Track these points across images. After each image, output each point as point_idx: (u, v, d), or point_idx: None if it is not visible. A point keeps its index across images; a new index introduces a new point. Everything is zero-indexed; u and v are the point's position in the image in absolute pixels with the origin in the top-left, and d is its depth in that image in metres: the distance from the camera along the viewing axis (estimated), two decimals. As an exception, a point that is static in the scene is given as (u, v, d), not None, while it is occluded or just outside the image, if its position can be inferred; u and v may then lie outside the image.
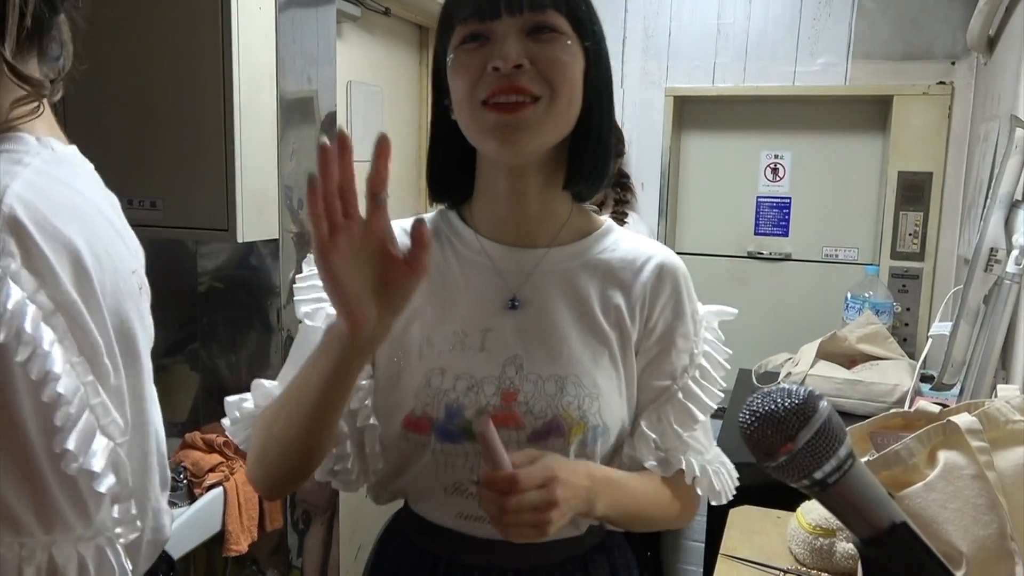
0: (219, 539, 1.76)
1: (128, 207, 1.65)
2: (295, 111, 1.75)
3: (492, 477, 0.74)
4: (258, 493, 0.91)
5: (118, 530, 0.70)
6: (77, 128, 1.63)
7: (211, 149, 1.57)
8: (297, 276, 0.94)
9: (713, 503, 0.96)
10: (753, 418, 0.51)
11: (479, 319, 0.88)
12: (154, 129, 1.61)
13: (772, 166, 2.52)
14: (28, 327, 0.62)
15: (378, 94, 2.37)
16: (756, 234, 2.53)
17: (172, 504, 1.71)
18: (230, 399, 0.94)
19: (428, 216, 0.94)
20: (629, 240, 0.95)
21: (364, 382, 0.89)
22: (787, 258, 2.50)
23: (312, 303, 0.90)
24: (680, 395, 0.90)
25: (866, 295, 2.22)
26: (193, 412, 1.91)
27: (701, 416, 0.91)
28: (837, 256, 2.48)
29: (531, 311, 0.88)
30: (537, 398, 0.85)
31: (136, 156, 1.63)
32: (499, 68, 0.78)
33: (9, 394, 0.62)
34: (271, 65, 1.67)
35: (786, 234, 2.52)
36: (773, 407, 0.51)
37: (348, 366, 0.74)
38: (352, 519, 2.13)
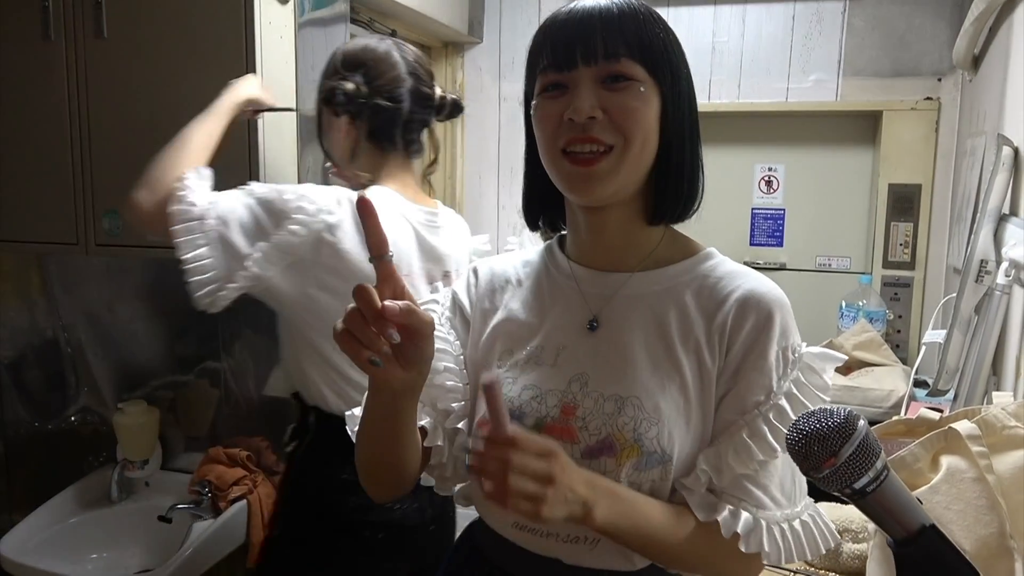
0: (242, 550, 1.82)
1: (154, 229, 1.71)
2: (312, 129, 1.81)
3: (493, 435, 0.75)
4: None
5: None
6: (106, 148, 1.70)
7: (237, 169, 1.62)
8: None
9: (767, 564, 0.88)
10: (800, 436, 0.58)
11: (558, 337, 0.93)
12: (179, 154, 1.66)
13: (766, 179, 2.60)
14: None
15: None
16: (751, 244, 2.62)
17: (197, 517, 1.77)
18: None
19: (537, 248, 1.02)
20: (726, 269, 0.92)
21: (451, 383, 0.96)
22: (782, 268, 2.59)
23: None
24: (744, 432, 0.85)
25: (860, 303, 2.30)
26: (213, 427, 1.96)
27: (762, 457, 0.84)
28: (830, 265, 2.57)
29: (607, 332, 0.91)
30: (595, 415, 0.87)
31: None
32: (574, 120, 0.83)
33: None
34: (291, 88, 1.73)
35: (780, 244, 2.61)
36: (818, 426, 0.58)
37: (393, 406, 0.83)
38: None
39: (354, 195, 1.34)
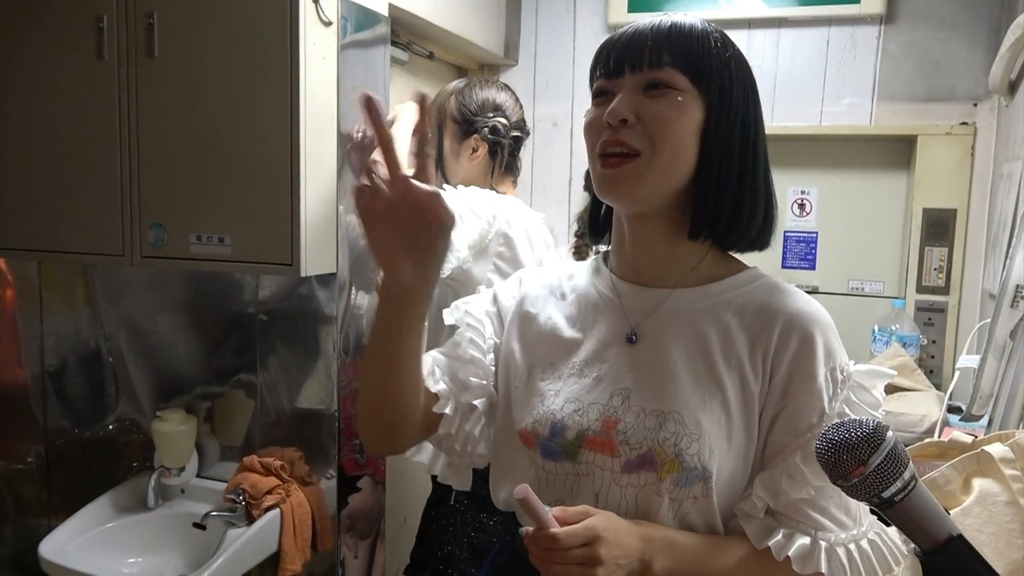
0: (274, 559, 1.85)
1: (197, 242, 1.77)
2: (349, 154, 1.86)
3: (536, 535, 0.79)
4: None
5: None
6: (153, 164, 1.76)
7: (277, 188, 1.68)
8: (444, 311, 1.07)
9: None
10: (830, 445, 0.60)
11: (600, 351, 0.94)
12: (224, 170, 1.72)
13: (799, 201, 2.61)
14: None
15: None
16: (784, 267, 2.62)
17: (231, 525, 1.80)
18: None
19: (590, 259, 1.05)
20: (770, 288, 0.92)
21: (474, 354, 0.99)
22: (814, 291, 2.58)
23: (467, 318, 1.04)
24: (798, 456, 0.84)
25: (893, 328, 2.29)
26: (248, 437, 2.00)
27: (816, 481, 0.83)
28: (863, 289, 2.56)
29: (647, 347, 0.92)
30: (636, 429, 0.87)
31: (206, 195, 1.74)
32: (609, 122, 0.87)
33: None
34: (333, 108, 1.78)
35: (813, 267, 2.60)
36: (847, 435, 0.59)
37: (397, 315, 0.85)
38: (394, 543, 2.20)
39: (506, 200, 1.79)
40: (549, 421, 0.92)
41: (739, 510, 0.87)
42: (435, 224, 0.79)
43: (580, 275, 1.04)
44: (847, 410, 0.85)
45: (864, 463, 0.58)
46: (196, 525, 1.86)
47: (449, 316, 1.05)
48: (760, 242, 0.94)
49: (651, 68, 0.87)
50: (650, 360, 0.90)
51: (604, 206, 0.99)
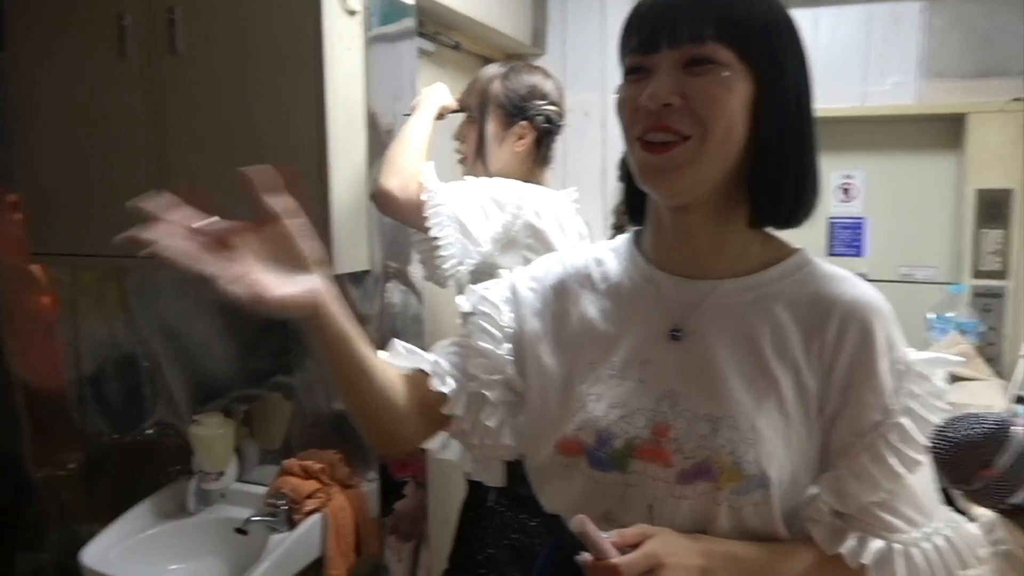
0: (317, 564, 1.81)
1: (231, 242, 1.73)
2: (382, 145, 1.82)
3: (596, 565, 0.74)
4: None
5: None
6: (180, 162, 1.73)
7: (308, 185, 1.63)
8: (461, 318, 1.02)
9: None
10: (948, 445, 0.53)
11: (641, 349, 0.87)
12: (251, 167, 1.68)
13: (844, 186, 2.52)
14: None
15: (449, 125, 2.42)
16: (830, 255, 2.53)
17: (273, 530, 1.77)
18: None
19: (618, 240, 0.97)
20: (822, 275, 0.86)
21: (486, 346, 0.94)
22: (863, 279, 2.48)
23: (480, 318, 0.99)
24: (865, 457, 0.79)
25: (950, 315, 2.20)
26: (287, 440, 1.96)
27: (887, 484, 0.79)
28: (915, 276, 2.46)
29: (693, 344, 0.85)
30: (689, 437, 0.81)
31: (236, 192, 1.70)
32: (649, 107, 0.78)
33: None
34: (361, 102, 1.73)
35: (860, 254, 2.51)
36: (969, 432, 0.53)
37: (325, 342, 0.87)
38: (438, 545, 2.16)
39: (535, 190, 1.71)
40: (594, 429, 0.86)
41: (805, 514, 0.82)
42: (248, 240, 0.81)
43: (609, 260, 0.95)
44: (911, 404, 0.79)
45: (990, 464, 0.51)
46: (238, 530, 1.83)
47: (465, 302, 1.00)
48: (804, 218, 0.86)
49: (692, 43, 0.77)
50: (697, 359, 0.84)
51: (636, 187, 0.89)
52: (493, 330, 0.94)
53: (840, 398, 0.81)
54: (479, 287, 1.01)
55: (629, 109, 0.82)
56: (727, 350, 0.83)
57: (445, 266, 1.57)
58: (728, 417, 0.81)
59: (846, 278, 0.85)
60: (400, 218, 1.64)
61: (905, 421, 0.79)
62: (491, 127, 1.78)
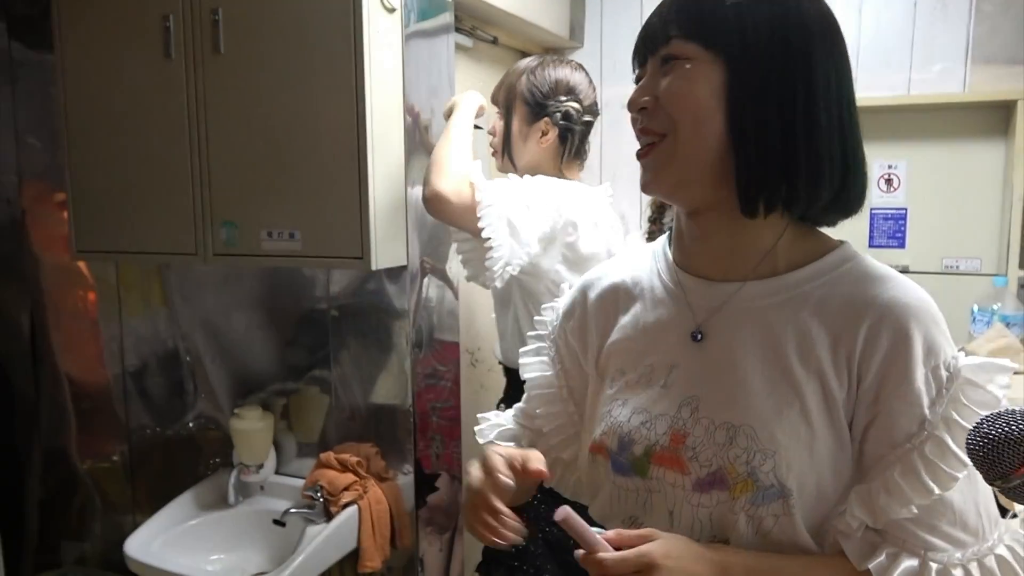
0: (353, 556, 1.83)
1: (268, 238, 1.76)
2: (419, 143, 1.82)
3: (584, 558, 0.75)
4: None
5: None
6: (223, 160, 1.75)
7: (345, 181, 1.65)
8: (529, 335, 1.07)
9: None
10: (985, 440, 0.52)
11: (668, 354, 0.86)
12: (292, 164, 1.70)
13: (886, 176, 2.46)
14: None
15: (487, 120, 2.42)
16: (871, 247, 2.47)
17: (310, 521, 1.79)
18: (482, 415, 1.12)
19: (658, 242, 0.97)
20: (858, 274, 0.80)
21: (562, 406, 1.00)
22: (905, 271, 2.42)
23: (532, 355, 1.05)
24: (896, 470, 0.74)
25: (994, 307, 2.14)
26: (324, 434, 1.99)
27: (918, 499, 0.74)
28: (958, 267, 2.40)
29: (714, 348, 0.83)
30: (705, 445, 0.80)
31: (275, 190, 1.73)
32: (632, 113, 0.84)
33: None
34: (399, 98, 1.74)
35: (903, 246, 2.46)
36: (1007, 428, 0.51)
37: None
38: (472, 537, 2.17)
39: (583, 188, 1.77)
40: (617, 434, 0.86)
41: (836, 528, 0.78)
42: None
43: (643, 264, 0.94)
44: (955, 415, 0.73)
45: (1029, 461, 0.50)
46: (276, 522, 1.86)
47: (524, 373, 1.05)
48: (843, 210, 0.82)
49: (662, 45, 0.81)
50: (720, 364, 0.82)
51: None
52: (551, 392, 1.01)
53: (872, 408, 0.77)
54: (523, 360, 1.05)
55: (631, 119, 0.86)
56: (749, 355, 0.80)
57: (495, 267, 1.56)
58: (745, 426, 0.78)
59: (887, 277, 0.80)
60: (452, 220, 1.64)
61: (944, 434, 0.74)
62: (516, 123, 1.78)
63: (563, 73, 1.78)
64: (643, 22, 0.86)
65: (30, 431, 2.37)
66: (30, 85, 2.20)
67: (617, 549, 0.75)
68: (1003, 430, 0.51)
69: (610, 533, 0.76)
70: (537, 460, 0.83)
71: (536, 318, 1.07)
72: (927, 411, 0.75)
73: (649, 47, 0.83)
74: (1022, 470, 0.50)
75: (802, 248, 0.83)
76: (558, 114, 1.75)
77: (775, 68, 0.77)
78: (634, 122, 0.84)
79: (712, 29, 0.78)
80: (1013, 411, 0.52)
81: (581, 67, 1.84)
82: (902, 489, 0.73)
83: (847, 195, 0.81)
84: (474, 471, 0.85)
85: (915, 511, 0.74)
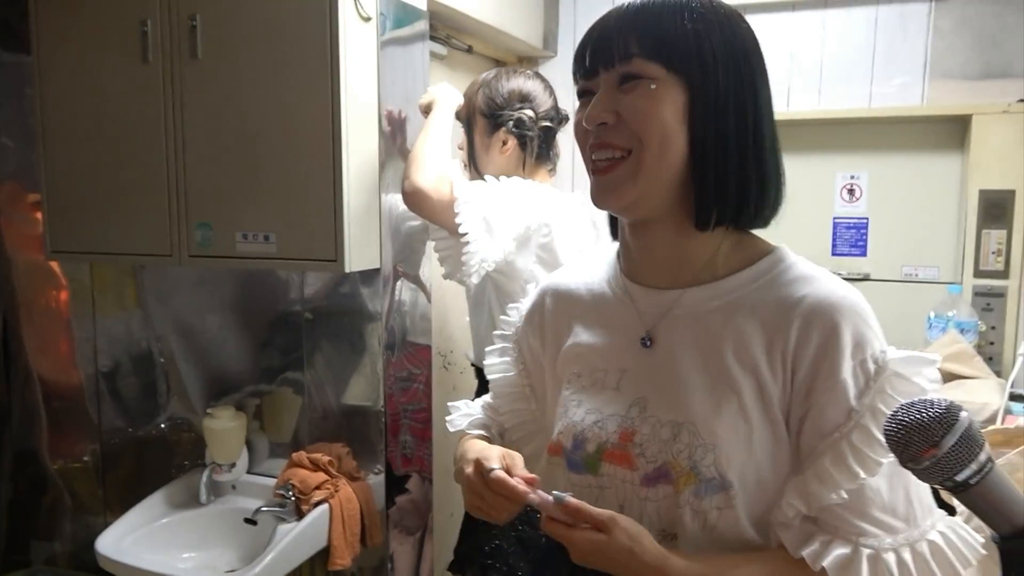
0: (324, 554, 1.86)
1: (243, 240, 1.79)
2: (393, 147, 1.86)
3: (548, 523, 0.81)
4: None
5: None
6: (199, 164, 1.78)
7: (320, 185, 1.68)
8: (495, 334, 1.10)
9: None
10: (900, 426, 0.57)
11: (619, 359, 0.91)
12: (267, 168, 1.73)
13: (848, 187, 2.54)
14: None
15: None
16: (833, 255, 2.55)
17: (282, 520, 1.82)
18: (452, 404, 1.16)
19: (609, 250, 1.01)
20: (792, 276, 0.85)
21: (518, 407, 1.05)
22: (866, 278, 2.51)
23: (496, 355, 1.08)
24: (827, 459, 0.78)
25: (949, 314, 2.22)
26: (297, 433, 2.01)
27: (847, 484, 0.77)
28: (917, 275, 2.48)
29: (660, 351, 0.88)
30: (652, 442, 0.84)
31: (251, 193, 1.76)
32: (588, 127, 0.84)
33: None
34: (374, 104, 1.78)
35: (864, 254, 2.53)
36: (919, 416, 0.56)
37: None
38: (443, 538, 2.20)
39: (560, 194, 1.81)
40: (572, 433, 0.91)
41: (775, 519, 0.82)
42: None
43: (597, 271, 0.99)
44: (881, 405, 0.77)
45: (937, 444, 0.55)
46: (247, 520, 1.88)
47: (489, 373, 1.09)
48: (773, 216, 0.88)
49: (621, 63, 0.82)
50: (665, 367, 0.87)
51: None
52: (514, 390, 1.06)
53: (805, 401, 0.81)
54: (489, 371, 1.09)
55: (580, 132, 0.87)
56: (692, 357, 0.85)
57: (472, 262, 1.60)
58: (688, 423, 0.83)
59: (817, 277, 0.85)
60: (430, 216, 1.68)
61: (870, 423, 0.77)
62: (477, 136, 1.83)
63: (517, 83, 1.82)
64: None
65: (0, 431, 2.37)
66: (4, 86, 2.21)
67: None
68: (915, 416, 0.57)
69: (578, 503, 0.80)
70: (521, 467, 0.87)
71: (501, 318, 1.11)
72: (854, 402, 0.79)
73: (603, 60, 0.83)
74: (930, 452, 0.55)
75: (739, 254, 0.88)
76: (511, 122, 1.78)
77: (730, 90, 0.82)
78: (586, 135, 0.85)
79: (675, 51, 0.81)
80: (925, 399, 0.57)
81: (537, 75, 1.87)
82: (832, 476, 0.77)
83: (779, 203, 0.88)
84: (468, 467, 0.89)
85: (845, 496, 0.77)
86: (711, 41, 0.82)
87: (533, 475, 0.84)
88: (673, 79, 0.81)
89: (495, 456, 0.86)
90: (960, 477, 0.55)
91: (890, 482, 0.79)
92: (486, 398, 1.12)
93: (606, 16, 0.86)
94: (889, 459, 0.75)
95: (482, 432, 1.08)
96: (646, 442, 0.85)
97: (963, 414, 0.56)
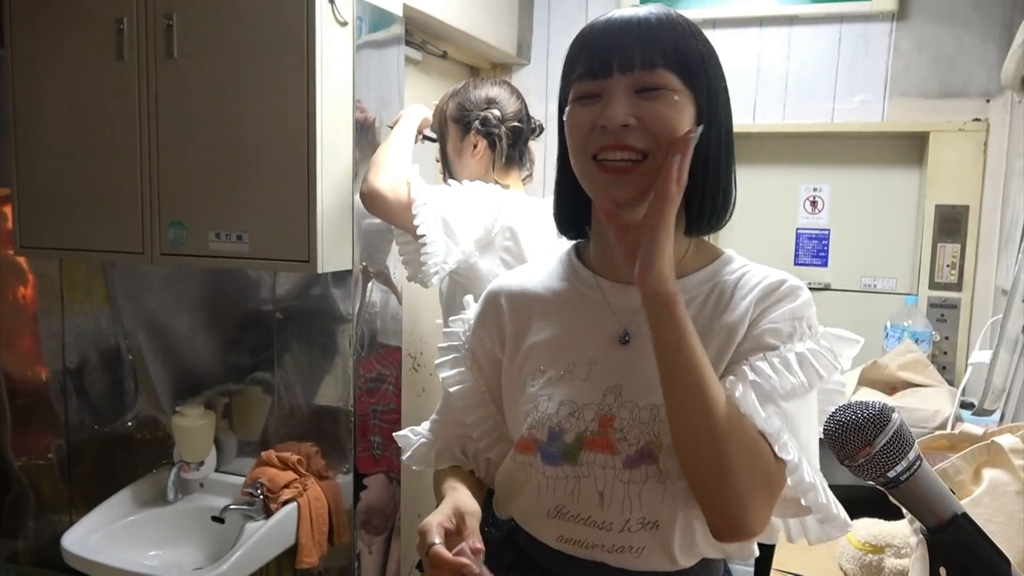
0: (291, 553, 1.87)
1: (216, 240, 1.80)
2: (368, 149, 1.89)
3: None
4: None
5: None
6: (173, 163, 1.79)
7: (294, 186, 1.70)
8: (444, 331, 1.10)
9: (792, 540, 0.91)
10: (836, 426, 0.61)
11: (590, 352, 0.94)
12: (242, 168, 1.75)
13: (811, 199, 2.61)
14: None
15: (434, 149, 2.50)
16: (796, 264, 2.62)
17: (249, 518, 1.83)
18: (398, 434, 1.15)
19: (557, 255, 1.04)
20: (745, 270, 0.95)
21: (473, 418, 1.05)
22: (826, 288, 2.58)
23: (449, 367, 1.08)
24: (748, 371, 0.86)
25: (905, 324, 2.29)
26: (266, 432, 2.02)
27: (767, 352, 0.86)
28: (875, 286, 2.56)
29: (638, 346, 0.92)
30: (632, 425, 0.89)
31: (224, 193, 1.77)
32: (607, 127, 0.85)
33: None
34: (348, 108, 1.80)
35: (825, 264, 2.61)
36: (854, 417, 0.61)
37: None
38: (410, 537, 2.22)
39: (518, 196, 1.82)
40: (546, 426, 0.93)
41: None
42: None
43: (552, 272, 1.03)
44: (807, 353, 0.86)
45: (870, 443, 0.60)
46: (215, 519, 1.89)
47: (446, 385, 1.09)
48: (720, 227, 0.96)
49: (643, 70, 0.85)
50: (642, 358, 0.90)
51: (580, 201, 0.96)
52: (474, 398, 1.06)
53: (746, 341, 0.89)
54: (440, 360, 1.10)
55: (582, 131, 0.88)
56: None
57: (430, 263, 1.62)
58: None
59: (766, 270, 0.94)
60: (388, 217, 1.70)
61: (792, 357, 0.85)
62: (450, 144, 1.86)
63: (484, 90, 1.86)
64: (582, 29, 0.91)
65: (-37, 427, 2.35)
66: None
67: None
68: (851, 417, 0.61)
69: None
70: (473, 532, 0.87)
71: (444, 330, 1.12)
72: (785, 340, 0.87)
73: (624, 65, 0.85)
74: (864, 451, 0.60)
75: (699, 255, 0.96)
76: (478, 121, 1.81)
77: (720, 106, 0.90)
78: (592, 132, 0.87)
79: (691, 68, 0.87)
80: (862, 402, 0.62)
81: (506, 82, 1.92)
82: (757, 384, 0.84)
83: (729, 215, 0.95)
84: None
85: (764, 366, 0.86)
86: (711, 65, 0.89)
87: (480, 546, 0.85)
88: (687, 93, 0.86)
89: (441, 520, 0.87)
90: (891, 474, 0.60)
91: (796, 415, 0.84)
92: (440, 415, 1.11)
93: (619, 21, 0.88)
94: (801, 381, 0.83)
95: (453, 463, 1.08)
96: (626, 426, 0.89)
97: (895, 415, 0.61)
